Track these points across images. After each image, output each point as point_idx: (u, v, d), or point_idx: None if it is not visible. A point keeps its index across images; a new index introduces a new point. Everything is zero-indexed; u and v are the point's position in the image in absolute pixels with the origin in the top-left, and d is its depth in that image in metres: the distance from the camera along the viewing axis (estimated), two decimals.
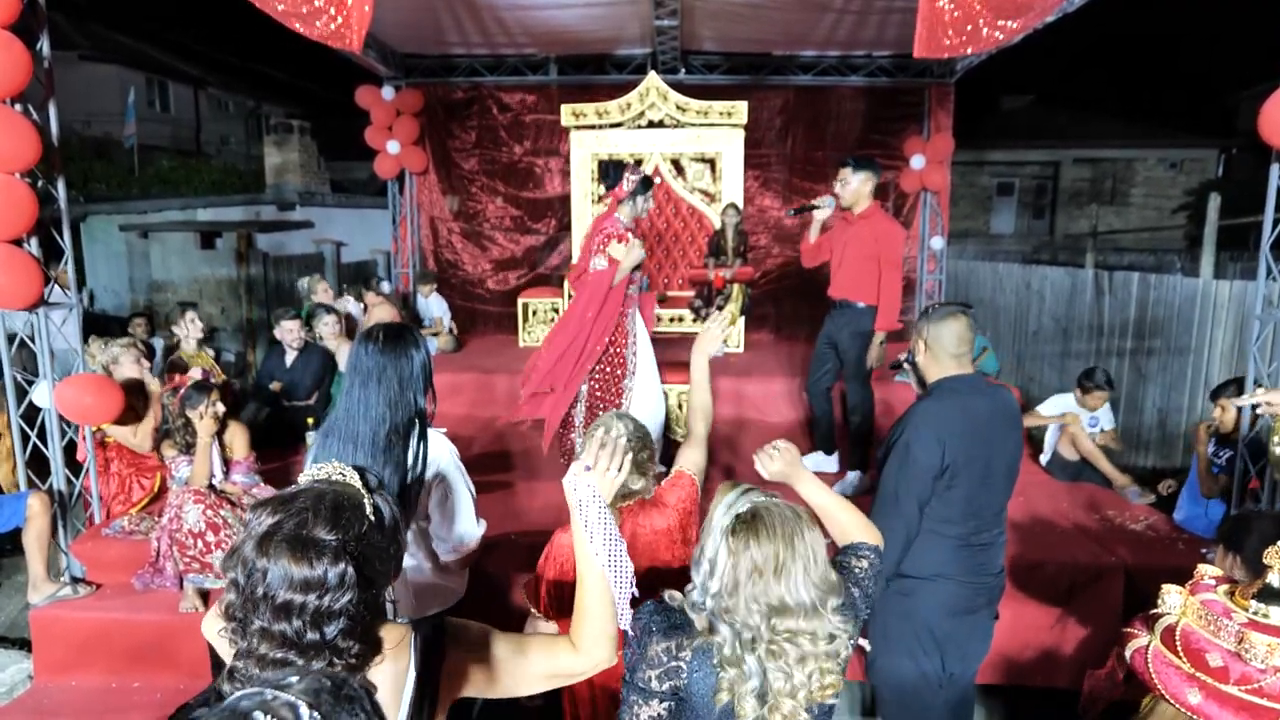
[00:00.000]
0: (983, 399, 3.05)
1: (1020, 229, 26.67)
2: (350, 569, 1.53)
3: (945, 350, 3.05)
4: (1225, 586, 2.12)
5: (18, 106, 4.30)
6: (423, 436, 2.71)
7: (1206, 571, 2.23)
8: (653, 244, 9.26)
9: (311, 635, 1.51)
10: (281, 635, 1.51)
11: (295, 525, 1.54)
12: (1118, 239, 23.42)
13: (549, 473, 5.63)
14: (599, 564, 1.82)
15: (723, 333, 3.22)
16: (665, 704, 1.91)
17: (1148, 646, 2.11)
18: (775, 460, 2.42)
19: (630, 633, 1.98)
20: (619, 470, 1.91)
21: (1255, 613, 1.96)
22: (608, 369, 5.19)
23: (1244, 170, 21.21)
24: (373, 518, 1.64)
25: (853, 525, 2.33)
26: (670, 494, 2.91)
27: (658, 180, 9.00)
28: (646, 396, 5.27)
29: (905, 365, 3.28)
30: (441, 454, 2.80)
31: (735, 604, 1.84)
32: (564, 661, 1.82)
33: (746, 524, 1.88)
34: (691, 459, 3.02)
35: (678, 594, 2.01)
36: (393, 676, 1.65)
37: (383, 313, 8.13)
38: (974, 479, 2.95)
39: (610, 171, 5.06)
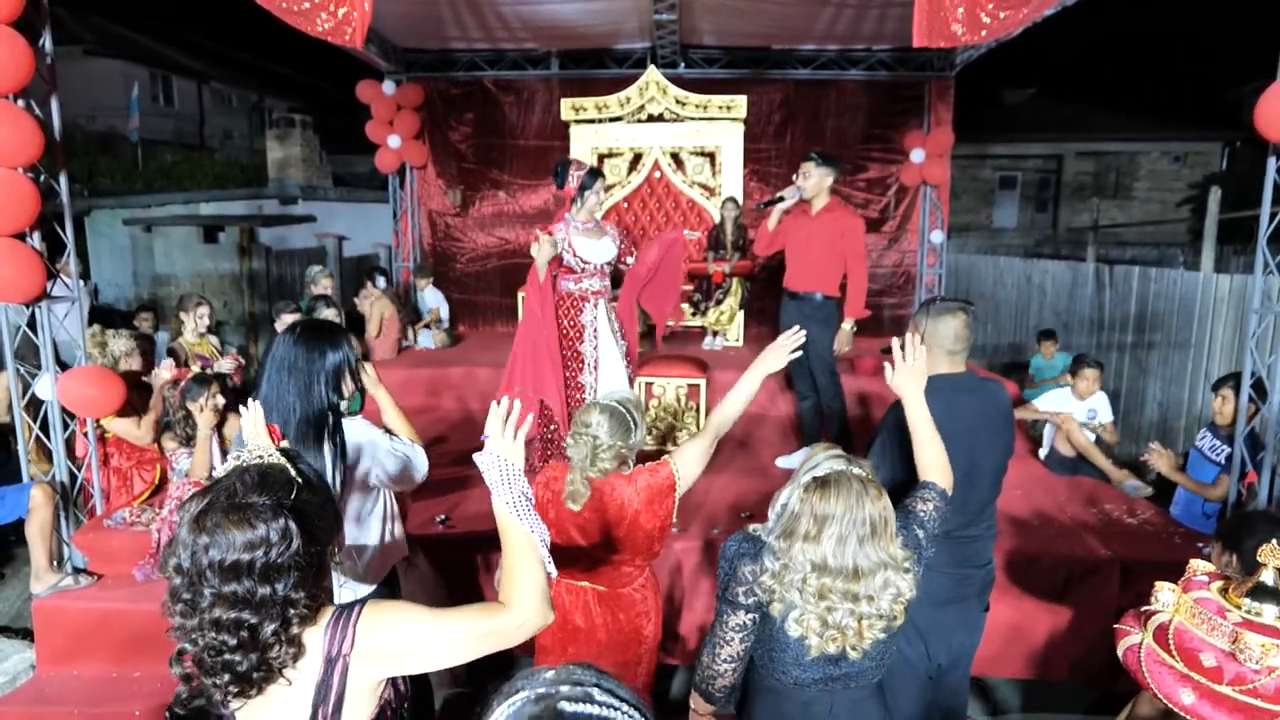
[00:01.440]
0: (970, 398, 3.04)
1: (1023, 222, 26.60)
2: (291, 523, 1.59)
3: (941, 347, 3.04)
4: (1218, 583, 2.11)
5: (20, 102, 4.32)
6: (337, 429, 2.75)
7: (1199, 567, 2.23)
8: (652, 238, 9.27)
9: (264, 590, 1.56)
10: (233, 595, 1.55)
11: (226, 498, 1.60)
12: (1120, 233, 23.38)
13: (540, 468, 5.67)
14: (522, 526, 1.89)
15: (791, 351, 3.03)
16: (750, 615, 2.27)
17: (1140, 644, 2.10)
18: (901, 370, 2.62)
19: (724, 556, 2.35)
20: (516, 433, 2.01)
21: (1249, 611, 1.95)
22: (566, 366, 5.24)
23: (1247, 164, 21.15)
24: (300, 480, 1.70)
25: (933, 463, 2.58)
26: (643, 476, 2.95)
27: (643, 176, 9.05)
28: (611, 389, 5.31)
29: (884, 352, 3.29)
30: (360, 433, 2.85)
31: (788, 546, 2.17)
32: (493, 621, 1.80)
33: (819, 485, 2.17)
34: (687, 454, 2.98)
35: (760, 525, 2.38)
36: (309, 649, 1.69)
37: (381, 307, 8.16)
38: (957, 479, 2.92)
39: (558, 170, 5.05)
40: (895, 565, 2.17)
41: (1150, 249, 19.30)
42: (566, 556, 3.00)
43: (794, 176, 5.44)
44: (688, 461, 2.97)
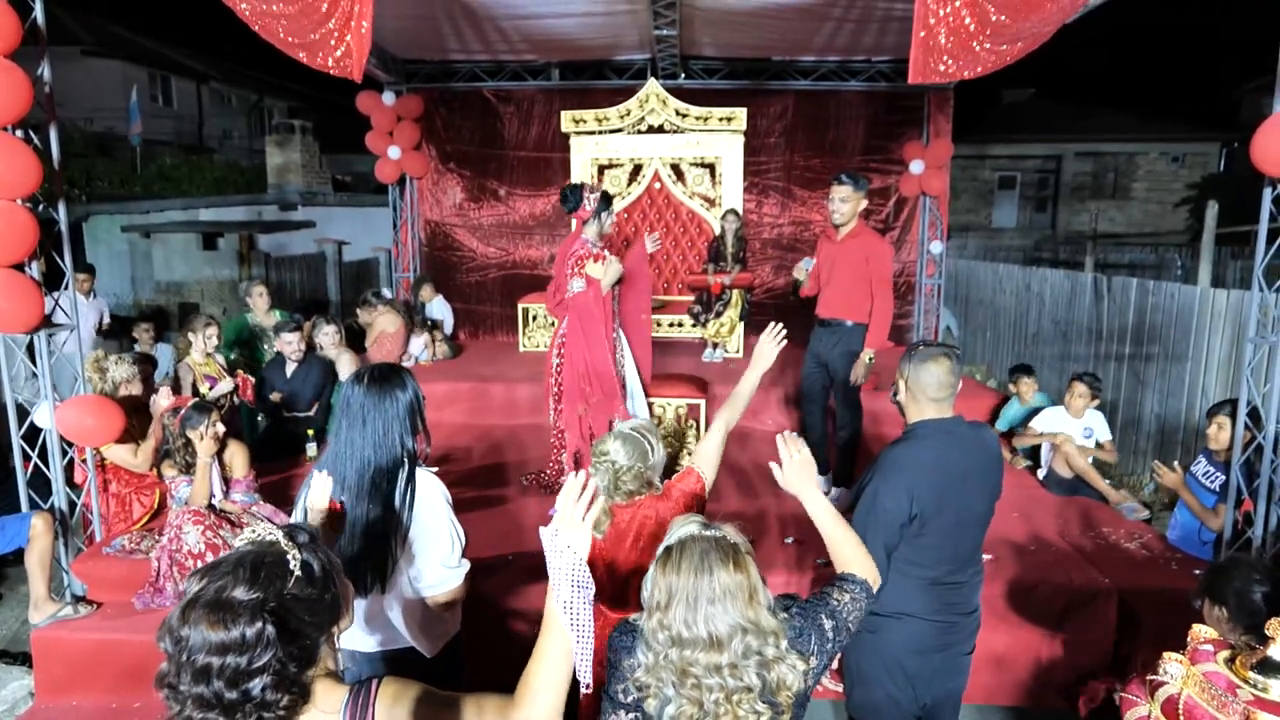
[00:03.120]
0: (958, 444, 2.98)
1: (1022, 222, 26.67)
2: (269, 626, 1.58)
3: (925, 393, 2.98)
4: (1224, 654, 2.12)
5: (19, 132, 4.32)
6: (410, 478, 2.72)
7: (1202, 634, 2.23)
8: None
9: (231, 695, 1.56)
10: (200, 697, 1.56)
11: (215, 590, 1.59)
12: (1119, 234, 23.42)
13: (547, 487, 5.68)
14: (563, 618, 1.84)
15: (777, 346, 3.32)
16: (631, 715, 2.05)
17: (1149, 717, 2.11)
18: (788, 470, 2.50)
19: (610, 647, 2.14)
20: (584, 515, 1.94)
21: (1257, 686, 1.96)
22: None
23: (1246, 164, 21.08)
24: (299, 571, 1.69)
25: (851, 557, 2.38)
26: (676, 489, 3.18)
27: (643, 187, 9.07)
28: (637, 406, 5.44)
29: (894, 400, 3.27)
30: (431, 496, 2.78)
31: (651, 626, 1.96)
32: (503, 717, 1.81)
33: (667, 555, 2.00)
34: (706, 456, 3.24)
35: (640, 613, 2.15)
36: None
37: (386, 321, 8.14)
38: (945, 526, 2.91)
39: (568, 195, 5.14)
40: (758, 632, 1.94)
41: (1148, 252, 19.32)
42: (621, 593, 3.12)
43: (827, 202, 5.37)
44: (708, 463, 3.22)
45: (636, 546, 3.09)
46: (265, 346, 7.49)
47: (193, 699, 1.57)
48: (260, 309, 7.83)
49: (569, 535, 1.90)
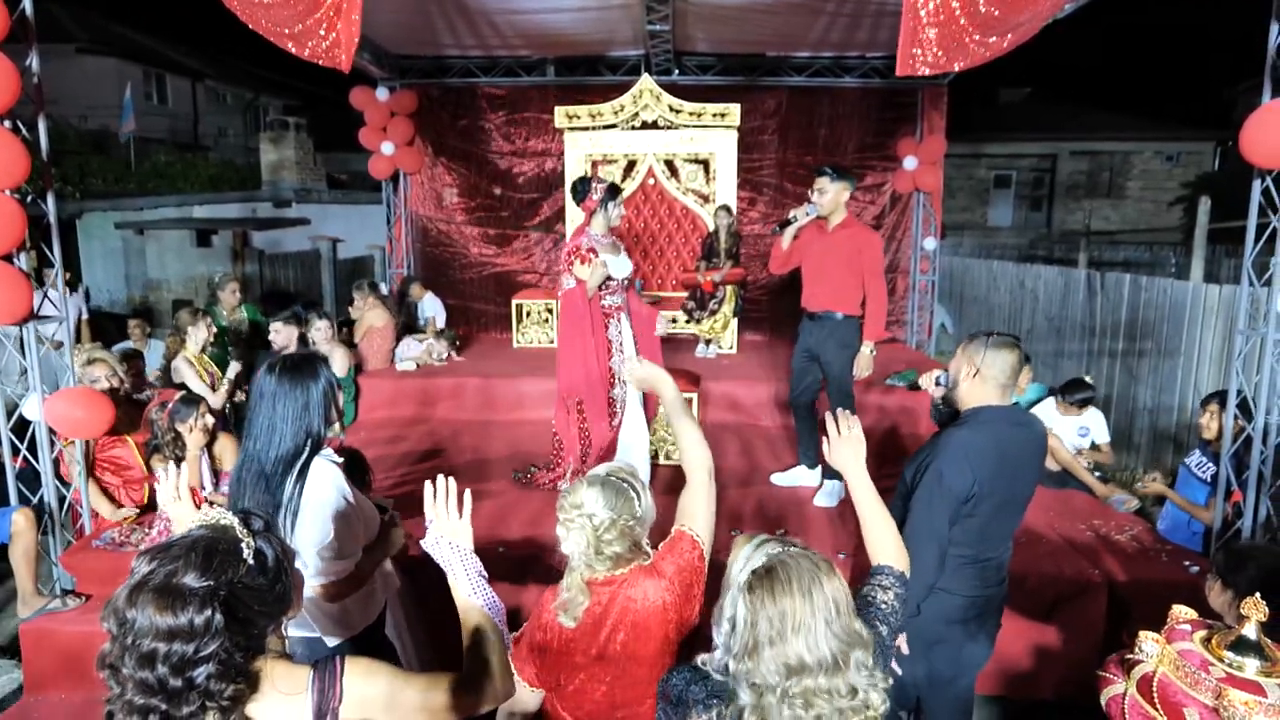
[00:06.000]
0: (1017, 431, 3.05)
1: (1018, 221, 26.73)
2: (218, 615, 1.57)
3: (995, 379, 3.03)
4: (1201, 633, 2.13)
5: (7, 123, 4.29)
6: (304, 468, 2.72)
7: (1181, 614, 2.24)
8: (646, 245, 9.29)
9: (175, 682, 1.54)
10: (143, 682, 1.55)
11: (165, 575, 1.58)
12: (1113, 232, 23.48)
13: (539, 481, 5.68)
14: (477, 603, 1.97)
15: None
16: None
17: (1124, 695, 2.11)
18: (838, 445, 2.44)
19: (667, 699, 1.94)
20: (459, 511, 2.10)
21: (1231, 664, 1.97)
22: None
23: (1240, 163, 21.10)
24: (251, 560, 1.68)
25: (886, 544, 2.28)
26: (667, 561, 2.47)
27: (637, 183, 9.07)
28: (633, 408, 5.37)
29: (937, 384, 3.31)
30: (320, 484, 2.76)
31: (755, 664, 1.74)
32: (462, 697, 1.87)
33: (762, 579, 1.77)
34: (697, 510, 2.59)
35: (712, 657, 1.91)
36: (289, 716, 1.70)
37: (375, 316, 8.13)
38: (993, 508, 2.96)
39: (578, 187, 5.13)
40: (862, 644, 1.76)
41: (1143, 250, 19.34)
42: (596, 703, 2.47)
43: (809, 193, 5.34)
44: (702, 520, 2.58)
45: (615, 639, 2.38)
46: (227, 340, 7.35)
47: (135, 683, 1.56)
48: (229, 305, 7.74)
49: (448, 531, 2.09)
